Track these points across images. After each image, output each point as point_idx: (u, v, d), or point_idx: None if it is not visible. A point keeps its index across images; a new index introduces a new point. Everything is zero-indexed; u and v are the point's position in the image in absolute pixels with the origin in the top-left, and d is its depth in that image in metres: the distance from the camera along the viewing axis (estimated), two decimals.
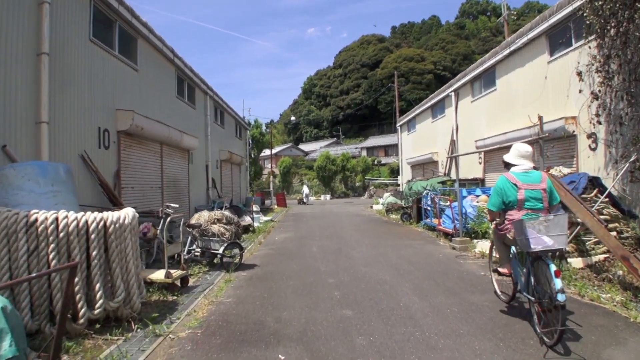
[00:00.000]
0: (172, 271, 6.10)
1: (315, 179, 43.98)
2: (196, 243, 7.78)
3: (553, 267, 3.85)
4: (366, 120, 75.27)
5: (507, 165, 4.80)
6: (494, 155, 15.05)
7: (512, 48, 13.38)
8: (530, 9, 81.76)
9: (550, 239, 3.99)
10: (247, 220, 14.72)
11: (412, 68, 68.06)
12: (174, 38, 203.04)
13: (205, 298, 5.87)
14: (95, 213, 4.61)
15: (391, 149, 57.74)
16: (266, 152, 36.76)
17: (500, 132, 13.90)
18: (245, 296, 5.96)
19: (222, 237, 7.40)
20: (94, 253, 4.42)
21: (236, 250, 7.88)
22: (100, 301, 4.42)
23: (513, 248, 4.86)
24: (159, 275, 6.01)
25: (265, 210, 23.44)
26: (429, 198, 13.70)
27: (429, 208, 14.05)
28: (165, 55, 12.37)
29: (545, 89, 11.70)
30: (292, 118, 32.21)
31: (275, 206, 27.36)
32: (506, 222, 4.57)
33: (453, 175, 18.77)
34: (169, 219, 6.53)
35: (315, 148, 65.88)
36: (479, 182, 15.51)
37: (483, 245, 9.22)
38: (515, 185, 4.38)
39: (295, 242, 11.46)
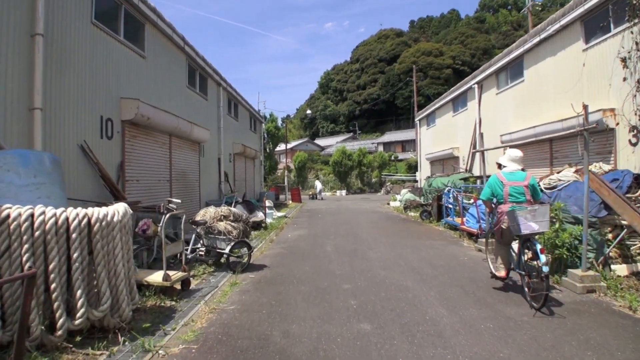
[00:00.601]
0: (171, 273, 5.53)
1: (331, 174, 43.28)
2: (201, 241, 7.22)
3: (539, 246, 4.90)
4: (383, 115, 74.25)
5: (500, 166, 5.80)
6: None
7: (543, 36, 12.47)
8: (553, 2, 79.61)
9: (536, 224, 5.01)
10: (259, 216, 14.17)
11: (430, 63, 66.71)
12: (192, 33, 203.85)
13: (207, 305, 5.27)
14: (79, 209, 4.04)
15: (408, 145, 56.66)
16: (282, 146, 36.20)
17: (529, 125, 13.04)
18: (251, 303, 5.35)
19: (228, 235, 6.82)
20: (75, 255, 3.85)
21: (244, 250, 7.30)
22: (82, 310, 3.86)
23: (512, 254, 5.67)
24: (156, 277, 5.45)
25: (279, 205, 22.90)
26: (450, 195, 12.94)
27: (450, 206, 13.30)
28: (175, 42, 11.83)
29: (579, 80, 10.81)
30: (308, 112, 31.51)
31: (290, 201, 26.80)
32: (498, 214, 5.51)
33: (475, 172, 18.01)
34: (168, 215, 5.95)
35: (332, 143, 65.19)
36: None
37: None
38: (502, 182, 5.45)
39: (309, 240, 10.84)
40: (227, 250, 6.79)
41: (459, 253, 8.78)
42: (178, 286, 5.81)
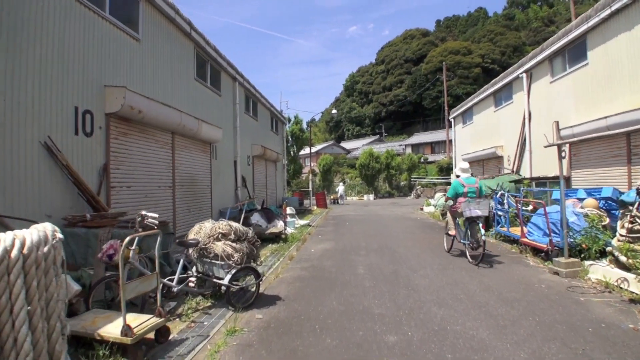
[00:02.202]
0: (137, 321, 3.80)
1: (358, 178, 41.23)
2: (195, 267, 5.47)
3: (480, 225, 7.79)
4: (410, 117, 72.19)
5: (457, 176, 8.91)
6: (585, 147, 11.97)
7: (615, 7, 10.30)
8: None
9: (479, 211, 7.87)
10: (279, 226, 12.41)
11: (458, 62, 63.99)
12: (223, 40, 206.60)
13: None
14: None
15: (438, 146, 54.18)
16: (307, 149, 34.46)
17: (598, 116, 10.86)
18: None
19: (228, 260, 5.05)
20: None
21: (250, 279, 5.51)
22: None
23: (458, 220, 8.67)
24: (113, 329, 3.71)
25: (302, 212, 21.13)
26: (504, 201, 10.86)
27: (501, 213, 11.23)
28: (179, 26, 10.24)
29: None
30: (334, 111, 29.66)
31: (315, 207, 24.97)
32: (457, 204, 8.31)
33: (523, 172, 15.77)
34: (142, 234, 4.21)
35: (357, 146, 63.29)
36: (563, 180, 12.41)
37: (604, 272, 6.41)
38: (463, 185, 8.33)
39: (336, 257, 8.96)
40: (226, 281, 5.02)
41: (530, 277, 6.75)
42: (152, 336, 4.08)
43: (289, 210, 15.20)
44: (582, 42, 12.02)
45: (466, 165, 8.92)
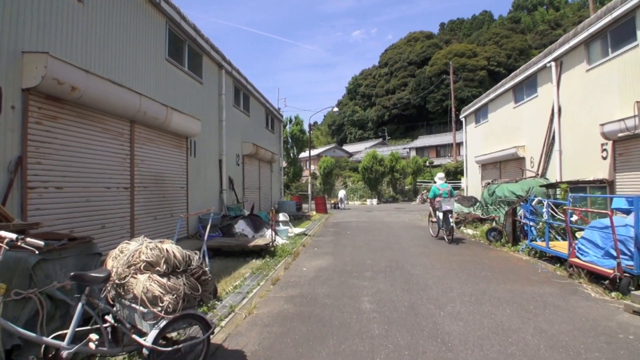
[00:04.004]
0: None
1: (360, 182, 39.23)
2: (114, 309, 3.50)
3: (450, 216, 10.92)
4: (413, 120, 70.58)
5: (435, 182, 12.24)
6: (636, 145, 9.99)
7: None
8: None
9: (449, 206, 10.90)
10: (267, 235, 10.47)
11: (463, 64, 62.28)
12: (224, 44, 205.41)
13: None
14: None
15: (444, 149, 52.22)
16: (308, 151, 32.50)
17: None
18: None
19: (154, 305, 3.12)
20: None
21: (194, 331, 3.56)
22: None
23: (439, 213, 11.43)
24: None
25: (299, 218, 19.15)
26: (544, 209, 8.90)
27: (531, 223, 9.29)
28: None
29: None
30: (335, 109, 27.64)
31: (314, 212, 22.96)
32: (435, 202, 11.49)
33: (551, 176, 13.77)
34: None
35: (360, 149, 61.42)
36: (606, 185, 10.44)
37: None
38: (439, 189, 11.48)
39: (333, 280, 6.98)
40: (149, 340, 3.09)
41: (603, 320, 4.77)
42: None
43: (281, 216, 13.24)
44: (630, 19, 10.09)
45: (442, 175, 12.65)
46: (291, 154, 37.90)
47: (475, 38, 75.73)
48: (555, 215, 8.60)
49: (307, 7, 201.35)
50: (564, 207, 7.18)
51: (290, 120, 38.42)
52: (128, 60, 7.89)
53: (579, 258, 6.96)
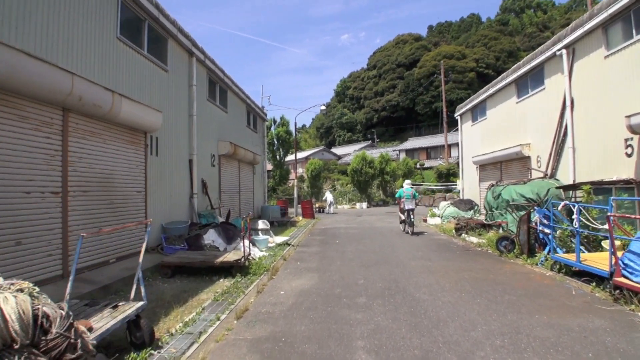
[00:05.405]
0: None
1: (349, 185, 37.75)
2: None
3: (411, 213, 13.68)
4: (402, 122, 70.04)
5: (402, 186, 14.65)
6: None
7: None
8: (579, 4, 74.51)
9: (411, 205, 13.66)
10: (239, 250, 8.84)
11: (452, 66, 61.60)
12: (212, 47, 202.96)
13: None
14: None
15: (434, 151, 51.11)
16: (295, 154, 30.95)
17: None
18: None
19: None
20: None
21: None
22: None
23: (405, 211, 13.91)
24: None
25: (284, 224, 17.54)
26: (575, 215, 7.50)
27: (548, 231, 7.93)
28: None
29: None
30: (322, 107, 26.05)
31: (300, 218, 21.38)
32: (401, 202, 14.05)
33: (562, 176, 12.38)
34: None
35: (349, 152, 60.13)
36: (634, 187, 9.06)
37: None
38: (404, 192, 13.82)
39: (318, 312, 5.36)
40: None
41: None
42: None
43: (260, 224, 11.66)
44: None
45: (409, 181, 14.77)
46: (277, 156, 36.30)
47: (464, 40, 75.57)
48: (588, 222, 7.18)
49: (295, 11, 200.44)
50: (608, 214, 5.74)
51: (275, 121, 36.87)
52: (60, 33, 6.27)
53: (627, 277, 5.53)
